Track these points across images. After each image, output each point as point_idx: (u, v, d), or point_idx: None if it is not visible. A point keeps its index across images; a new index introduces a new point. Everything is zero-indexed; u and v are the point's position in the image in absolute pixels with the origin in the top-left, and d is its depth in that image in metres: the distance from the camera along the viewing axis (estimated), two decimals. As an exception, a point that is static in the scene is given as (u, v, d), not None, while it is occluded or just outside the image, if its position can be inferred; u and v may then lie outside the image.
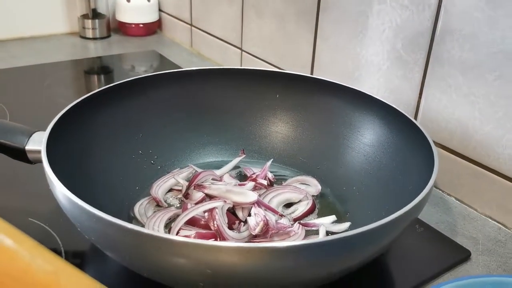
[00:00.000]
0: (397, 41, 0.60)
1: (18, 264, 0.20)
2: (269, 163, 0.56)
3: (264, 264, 0.33)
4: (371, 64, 0.64)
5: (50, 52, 0.98)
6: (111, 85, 0.55)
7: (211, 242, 0.33)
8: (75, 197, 0.36)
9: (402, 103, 0.61)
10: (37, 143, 0.46)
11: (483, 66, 0.52)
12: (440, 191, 0.60)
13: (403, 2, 0.58)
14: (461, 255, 0.49)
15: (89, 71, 0.94)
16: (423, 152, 0.47)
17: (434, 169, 0.43)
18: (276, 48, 0.80)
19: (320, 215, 0.52)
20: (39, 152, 0.43)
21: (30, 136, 0.47)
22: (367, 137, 0.56)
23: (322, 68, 0.73)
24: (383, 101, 0.54)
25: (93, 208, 0.35)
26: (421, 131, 0.49)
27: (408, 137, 0.51)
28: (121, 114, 0.55)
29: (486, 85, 0.52)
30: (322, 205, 0.53)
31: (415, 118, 0.60)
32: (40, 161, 0.43)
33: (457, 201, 0.58)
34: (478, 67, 0.52)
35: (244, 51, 0.88)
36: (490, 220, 0.55)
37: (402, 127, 0.52)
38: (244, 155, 0.59)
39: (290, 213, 0.51)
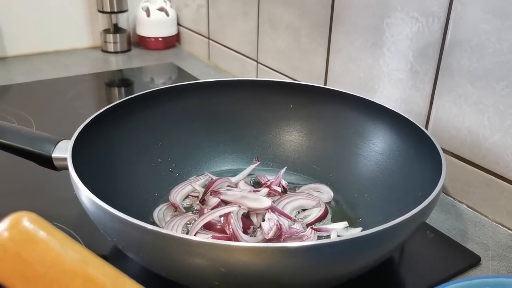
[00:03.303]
0: (408, 52, 0.62)
1: (51, 253, 0.23)
2: (283, 170, 0.58)
3: (275, 263, 0.35)
4: (382, 74, 0.66)
5: (73, 66, 1.01)
6: (132, 96, 0.57)
7: (225, 242, 0.35)
8: (99, 200, 0.38)
9: (414, 113, 0.63)
10: (63, 151, 0.48)
11: (491, 76, 0.53)
12: (452, 199, 0.61)
13: (413, 15, 0.60)
14: (471, 260, 0.50)
15: (110, 83, 0.98)
16: (432, 159, 0.48)
17: (442, 175, 0.44)
18: (291, 60, 0.83)
19: (333, 221, 0.53)
20: (64, 159, 0.46)
21: (56, 144, 0.49)
22: (378, 146, 0.57)
23: (335, 79, 0.75)
24: (394, 110, 0.56)
25: (116, 211, 0.37)
26: (430, 138, 0.50)
27: (418, 145, 0.52)
28: (141, 124, 0.58)
29: (494, 95, 0.53)
30: (334, 211, 0.55)
31: (426, 127, 0.62)
32: (65, 168, 0.46)
33: (468, 208, 0.59)
34: (486, 77, 0.54)
35: (260, 64, 0.90)
36: (501, 226, 0.56)
37: (412, 136, 0.53)
38: (258, 162, 0.61)
39: (303, 219, 0.53)
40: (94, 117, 0.52)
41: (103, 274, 0.24)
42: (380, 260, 0.42)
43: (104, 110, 0.54)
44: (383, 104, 0.57)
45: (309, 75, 0.79)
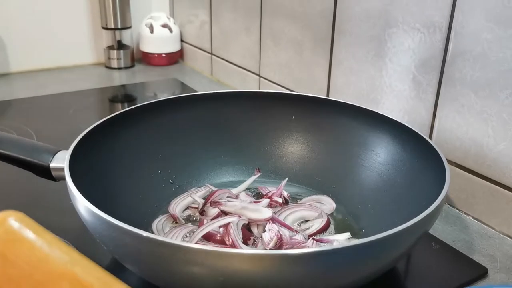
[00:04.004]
0: (410, 63, 0.61)
1: (37, 254, 0.22)
2: (284, 181, 0.57)
3: (274, 271, 0.34)
4: (385, 85, 0.66)
5: (77, 82, 1.02)
6: (132, 107, 0.57)
7: (223, 249, 0.34)
8: (96, 208, 0.38)
9: (417, 124, 0.62)
10: (61, 161, 0.47)
11: (494, 84, 0.53)
12: (457, 210, 0.59)
13: (415, 26, 0.60)
14: (478, 272, 0.49)
15: (113, 98, 0.98)
16: (436, 168, 0.47)
17: (446, 183, 0.43)
18: (293, 73, 0.82)
19: (335, 232, 0.52)
20: (62, 169, 0.45)
21: (54, 154, 0.49)
22: (381, 156, 0.56)
23: (337, 91, 0.74)
24: (396, 120, 0.55)
25: (112, 218, 0.36)
26: (434, 149, 0.49)
27: (421, 155, 0.51)
28: (141, 135, 0.57)
29: (498, 104, 0.53)
30: (337, 222, 0.54)
31: (430, 137, 0.61)
32: (63, 178, 0.45)
33: (474, 220, 0.58)
34: (489, 86, 0.53)
35: (262, 77, 0.90)
36: (508, 238, 0.54)
37: (415, 145, 0.52)
38: (259, 173, 0.60)
39: (305, 230, 0.52)
40: (93, 128, 0.52)
41: (91, 276, 0.23)
42: (383, 270, 0.41)
43: (104, 121, 0.53)
44: (385, 114, 0.56)
45: (311, 88, 0.79)
